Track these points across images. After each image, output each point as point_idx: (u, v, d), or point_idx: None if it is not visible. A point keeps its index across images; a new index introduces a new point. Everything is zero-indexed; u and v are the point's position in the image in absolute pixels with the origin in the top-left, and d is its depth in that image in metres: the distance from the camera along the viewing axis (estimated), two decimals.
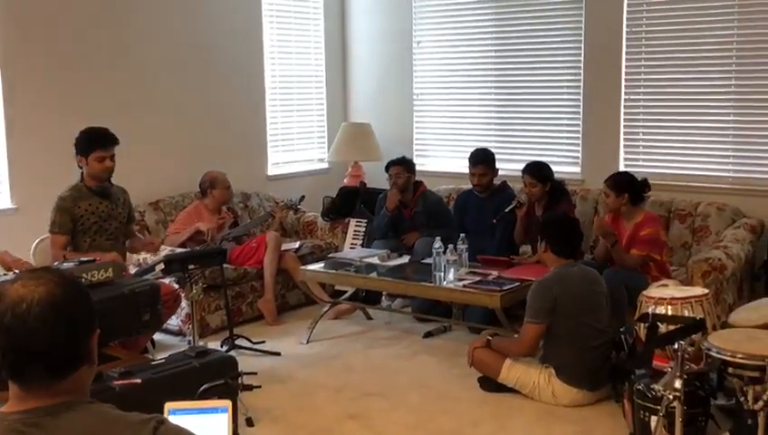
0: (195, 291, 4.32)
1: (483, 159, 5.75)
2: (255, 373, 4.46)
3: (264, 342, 5.21)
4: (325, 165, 7.52)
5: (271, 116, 7.05)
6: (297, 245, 6.11)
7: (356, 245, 6.19)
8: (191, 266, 4.37)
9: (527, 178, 5.43)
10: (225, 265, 5.22)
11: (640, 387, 3.49)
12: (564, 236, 4.25)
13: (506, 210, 5.49)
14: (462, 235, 5.22)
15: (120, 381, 3.30)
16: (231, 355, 3.97)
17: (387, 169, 5.99)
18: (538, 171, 5.45)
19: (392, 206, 5.88)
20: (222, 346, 5.00)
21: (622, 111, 6.15)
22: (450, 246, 4.98)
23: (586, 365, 4.04)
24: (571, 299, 4.06)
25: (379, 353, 5.10)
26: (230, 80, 6.62)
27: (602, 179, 5.17)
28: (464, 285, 4.78)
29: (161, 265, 4.36)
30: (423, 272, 5.13)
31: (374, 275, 5.26)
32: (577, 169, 6.34)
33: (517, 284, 4.67)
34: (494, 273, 4.98)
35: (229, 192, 5.92)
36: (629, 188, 4.96)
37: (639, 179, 5.04)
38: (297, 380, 4.65)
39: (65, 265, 4.02)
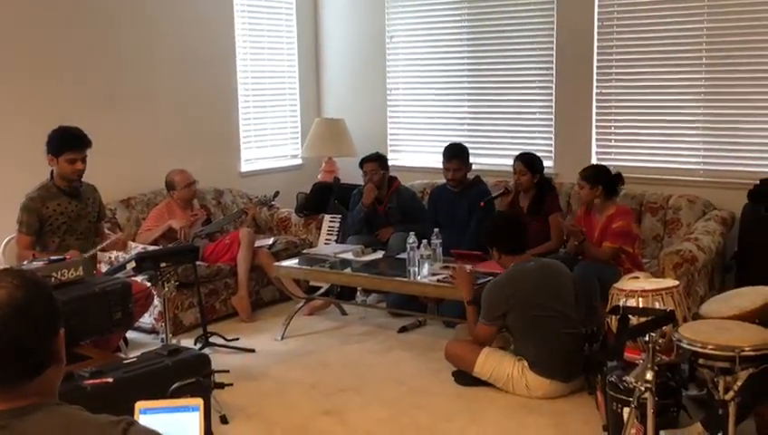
0: (167, 289, 4.29)
1: (457, 154, 5.76)
2: (227, 371, 4.44)
3: (238, 339, 5.20)
4: (299, 161, 7.50)
5: (243, 112, 7.02)
6: (271, 241, 6.09)
7: (330, 240, 6.18)
8: (163, 264, 4.33)
9: (518, 165, 5.48)
10: (197, 263, 5.20)
11: (612, 379, 3.51)
12: (507, 234, 4.31)
13: (494, 195, 5.52)
14: (436, 229, 5.24)
15: (91, 381, 3.26)
16: (204, 353, 3.95)
17: (361, 165, 5.99)
18: (531, 161, 5.51)
19: (368, 201, 5.88)
20: (196, 344, 4.99)
21: (594, 105, 6.19)
22: (424, 240, 5.00)
23: (557, 355, 4.07)
24: (529, 293, 4.10)
25: (353, 349, 5.10)
26: (202, 76, 6.58)
27: (575, 173, 5.20)
28: (438, 280, 4.79)
29: (133, 263, 4.32)
30: (397, 267, 5.14)
31: (349, 270, 5.25)
32: (550, 163, 6.37)
33: (490, 277, 4.68)
34: (468, 267, 4.99)
35: (189, 190, 5.85)
36: (604, 180, 5.00)
37: (613, 173, 5.08)
38: (272, 376, 4.64)
39: (35, 263, 3.97)
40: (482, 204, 5.49)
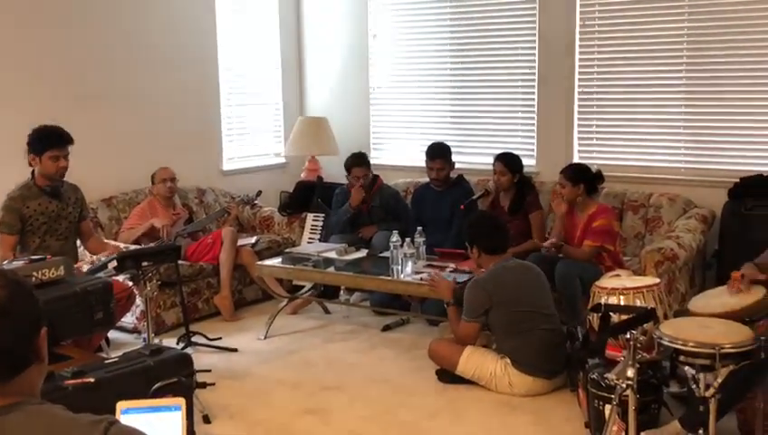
0: (149, 288, 4.28)
1: (440, 153, 5.78)
2: (209, 371, 4.44)
3: (220, 338, 5.19)
4: (282, 159, 7.49)
5: (226, 110, 7.00)
6: (254, 240, 6.08)
7: (313, 239, 6.18)
8: (145, 263, 4.32)
9: (498, 165, 5.50)
10: (180, 262, 5.19)
11: (594, 376, 3.54)
12: (487, 233, 4.32)
13: (473, 198, 5.54)
14: (419, 228, 5.25)
15: (72, 381, 3.25)
16: (185, 353, 3.94)
17: (348, 167, 5.96)
18: (510, 161, 5.53)
19: (356, 203, 5.88)
20: (178, 343, 4.97)
21: (576, 103, 6.22)
22: (407, 239, 5.00)
23: (540, 352, 4.10)
24: (509, 291, 4.13)
25: (337, 348, 5.10)
26: (184, 73, 6.55)
27: (557, 172, 5.23)
28: (421, 278, 4.80)
29: (114, 263, 4.30)
30: (381, 266, 5.14)
31: (332, 269, 5.25)
32: (532, 162, 6.39)
33: (472, 276, 4.70)
34: (451, 265, 5.01)
35: (164, 186, 5.83)
36: (585, 178, 5.03)
37: (594, 171, 5.12)
38: (255, 376, 4.63)
39: (15, 263, 3.95)
40: (462, 207, 5.50)
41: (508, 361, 4.14)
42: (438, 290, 4.54)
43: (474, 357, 4.23)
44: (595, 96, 6.20)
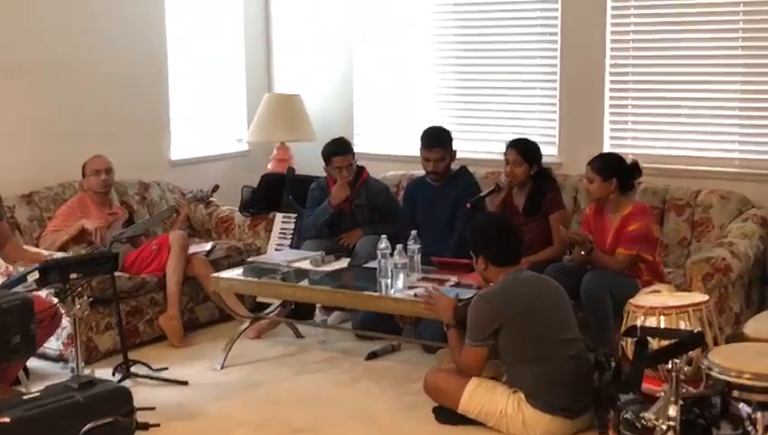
0: (78, 306, 4.26)
1: (439, 141, 5.77)
2: (153, 408, 4.42)
3: (167, 368, 5.17)
4: (244, 146, 7.46)
5: (175, 86, 6.98)
6: (209, 247, 6.06)
7: (283, 245, 6.16)
8: (74, 275, 4.30)
9: (512, 154, 5.48)
10: (117, 274, 5.17)
11: (628, 416, 3.53)
12: (496, 240, 4.32)
13: (482, 194, 5.53)
14: (413, 232, 5.24)
15: None
16: (123, 386, 3.92)
17: (327, 156, 5.94)
18: (527, 149, 5.51)
19: (337, 201, 5.87)
20: (114, 375, 4.96)
21: (607, 79, 6.23)
22: (399, 246, 5.00)
23: (561, 386, 4.10)
24: (523, 307, 4.12)
25: (311, 380, 5.09)
26: (122, 41, 6.52)
27: (583, 162, 5.23)
28: (415, 294, 4.80)
29: (35, 275, 4.28)
30: (365, 279, 5.12)
31: (305, 283, 5.24)
32: (553, 151, 6.40)
33: (477, 292, 4.70)
34: (453, 278, 5.00)
35: (98, 179, 5.80)
36: (618, 172, 5.04)
37: (629, 162, 5.13)
38: (209, 415, 4.62)
39: None
40: (468, 205, 5.50)
41: (522, 396, 4.14)
42: (437, 309, 4.54)
43: (480, 391, 4.22)
44: (630, 69, 6.21)
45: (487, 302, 4.19)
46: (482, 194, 5.56)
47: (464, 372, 4.29)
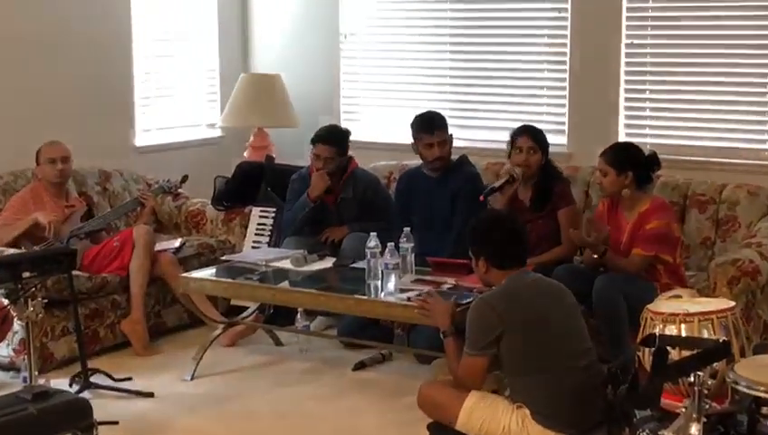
0: (31, 308, 4.25)
1: (440, 123, 5.76)
2: (115, 423, 4.41)
3: (130, 379, 5.16)
4: (217, 132, 7.46)
5: (140, 64, 6.98)
6: (177, 243, 6.06)
7: (260, 243, 6.16)
8: (26, 274, 4.29)
9: (526, 140, 5.47)
10: (74, 272, 5.14)
11: (645, 434, 3.55)
12: (498, 240, 4.31)
13: (495, 185, 5.51)
14: (406, 229, 5.24)
15: None
16: (82, 398, 3.92)
17: (313, 137, 5.94)
18: (539, 134, 5.53)
19: (316, 194, 5.86)
20: (71, 385, 4.94)
21: (623, 61, 6.25)
22: (390, 244, 5.00)
23: (570, 400, 4.09)
24: (528, 312, 4.12)
25: (291, 393, 5.09)
26: (81, 14, 6.51)
27: (595, 153, 5.24)
28: (408, 299, 4.80)
29: None
30: (353, 280, 5.13)
31: (285, 284, 5.24)
32: (562, 140, 6.43)
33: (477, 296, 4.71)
34: (451, 281, 5.01)
35: (54, 169, 5.77)
36: (635, 164, 5.04)
37: (647, 153, 5.13)
38: (177, 430, 4.62)
39: None
40: (482, 198, 5.48)
41: (527, 412, 4.14)
42: (432, 314, 4.54)
43: (480, 407, 4.22)
44: (649, 50, 6.24)
45: (488, 306, 4.18)
46: (495, 185, 5.53)
47: (462, 385, 4.28)
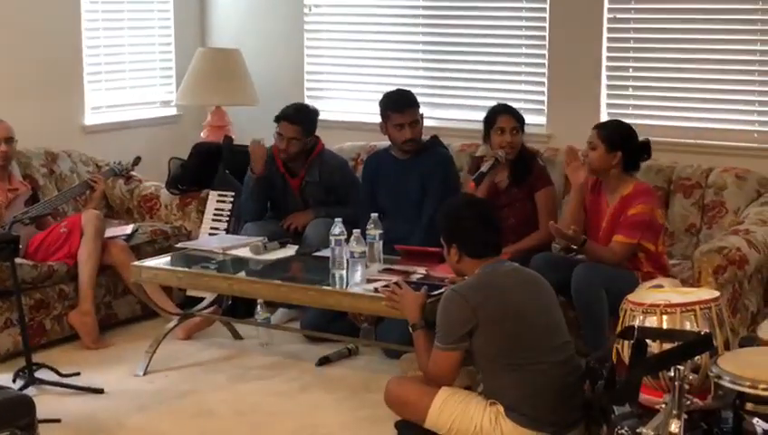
0: None
1: (411, 101, 5.76)
2: (58, 421, 4.42)
3: (78, 374, 5.15)
4: (172, 111, 7.44)
5: (89, 37, 6.94)
6: (129, 230, 6.05)
7: (218, 229, 6.16)
8: None
9: (508, 120, 5.48)
10: (18, 261, 5.14)
11: (623, 431, 3.57)
12: (471, 227, 4.32)
13: (483, 169, 5.51)
14: (374, 215, 5.25)
15: None
16: (24, 395, 3.91)
17: (277, 116, 5.92)
18: (517, 112, 5.56)
19: (260, 166, 5.85)
20: (14, 381, 4.93)
21: (605, 36, 6.27)
22: (356, 231, 5.01)
23: (545, 396, 4.11)
24: (502, 304, 4.13)
25: (251, 389, 5.10)
26: None
27: (576, 134, 5.28)
28: (375, 289, 4.81)
29: None
30: (316, 270, 5.14)
31: (244, 274, 5.25)
32: (541, 120, 6.45)
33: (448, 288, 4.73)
34: (421, 270, 5.02)
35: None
36: (627, 146, 5.06)
37: (641, 140, 5.15)
38: (128, 429, 4.62)
39: None
40: (472, 185, 5.48)
41: (500, 408, 4.16)
42: (402, 306, 4.55)
43: (451, 404, 4.23)
44: (632, 27, 6.26)
45: (461, 297, 4.19)
46: (483, 170, 5.54)
47: (432, 381, 4.30)
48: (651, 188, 5.31)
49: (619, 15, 6.25)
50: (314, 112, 6.08)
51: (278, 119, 5.92)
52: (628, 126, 5.24)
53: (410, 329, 4.46)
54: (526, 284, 4.29)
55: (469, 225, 4.31)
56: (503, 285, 4.21)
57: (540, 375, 4.12)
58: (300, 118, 5.94)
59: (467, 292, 4.17)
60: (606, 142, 5.04)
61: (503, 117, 5.52)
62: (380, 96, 5.90)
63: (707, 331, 3.56)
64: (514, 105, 5.69)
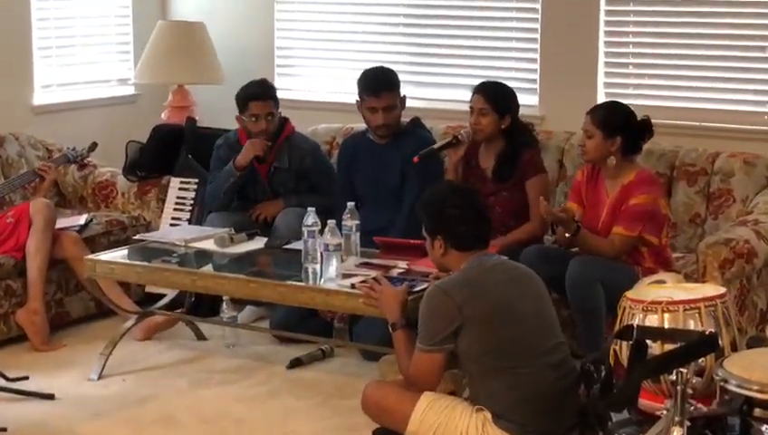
0: None
1: (388, 83, 5.75)
2: (5, 429, 4.41)
3: (27, 378, 5.13)
4: (130, 89, 7.42)
5: (38, 8, 6.92)
6: (83, 220, 6.04)
7: (180, 220, 6.16)
8: None
9: (478, 100, 5.48)
10: None
11: None
12: (458, 217, 4.31)
13: (434, 147, 5.52)
14: (351, 204, 5.25)
15: None
16: None
17: (242, 101, 5.89)
18: (496, 94, 5.52)
19: (246, 161, 5.84)
20: None
21: (602, 9, 6.28)
22: (331, 222, 5.00)
23: (537, 402, 4.12)
24: (491, 302, 4.13)
25: (215, 395, 5.10)
26: None
27: (570, 115, 5.30)
28: (352, 285, 4.81)
29: None
30: (287, 264, 5.15)
31: (209, 268, 5.24)
32: (533, 100, 6.46)
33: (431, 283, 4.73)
34: (402, 264, 5.02)
35: None
36: (626, 129, 5.06)
37: (640, 119, 5.16)
38: None
39: None
40: (416, 160, 5.50)
41: (488, 415, 4.17)
42: (380, 304, 4.55)
43: (434, 410, 4.23)
44: (632, 0, 6.27)
45: (446, 295, 4.18)
46: (435, 146, 5.56)
47: (414, 385, 4.30)
48: (655, 176, 5.33)
49: None
50: (269, 82, 6.10)
51: (245, 101, 5.88)
52: (625, 106, 5.23)
53: (390, 328, 4.46)
54: (516, 280, 4.29)
55: (456, 214, 4.30)
56: (491, 281, 4.21)
57: (530, 379, 4.13)
58: (269, 92, 5.96)
59: (452, 288, 4.17)
60: (603, 128, 5.02)
61: (474, 96, 5.53)
62: (358, 73, 5.89)
63: (712, 330, 3.58)
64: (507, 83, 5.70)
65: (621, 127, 5.05)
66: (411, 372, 4.27)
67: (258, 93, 5.90)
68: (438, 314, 4.15)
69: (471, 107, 5.54)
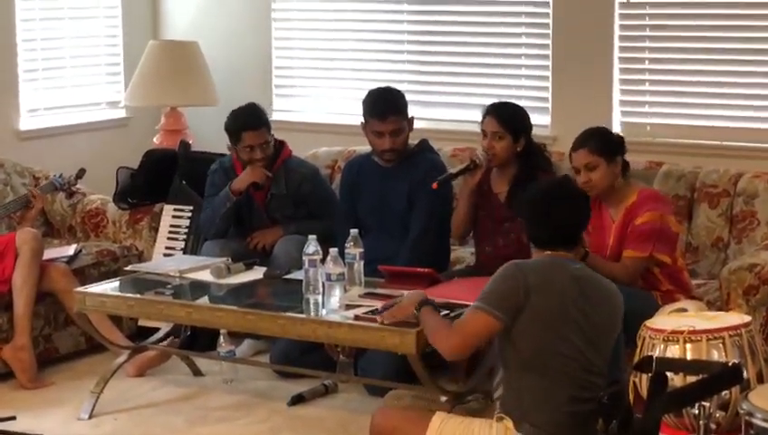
0: None
1: (395, 107, 5.74)
2: (14, 418, 4.47)
3: (14, 418, 5.12)
4: (121, 113, 7.44)
5: (25, 29, 6.95)
6: (72, 251, 6.05)
7: (174, 249, 6.17)
8: None
9: (490, 123, 5.47)
10: None
11: None
12: (540, 214, 4.28)
13: (453, 171, 5.52)
14: (354, 231, 5.25)
15: None
16: None
17: (233, 132, 5.90)
18: (510, 116, 5.51)
19: (243, 185, 5.85)
20: None
21: (617, 24, 6.30)
22: (333, 250, 5.01)
23: (560, 423, 4.11)
24: (559, 299, 4.10)
25: (213, 433, 5.11)
26: None
27: None
28: (356, 316, 4.82)
29: None
30: (288, 295, 5.15)
31: (205, 300, 5.25)
32: (545, 120, 6.47)
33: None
34: (407, 294, 5.02)
35: None
36: (621, 148, 5.10)
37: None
38: None
39: None
40: (435, 185, 5.50)
41: (509, 423, 4.11)
42: (399, 309, 4.55)
43: (451, 424, 4.17)
44: (648, 13, 6.30)
45: (517, 271, 4.12)
46: (453, 171, 5.56)
47: (445, 346, 4.24)
48: (658, 193, 5.34)
49: (634, 3, 6.28)
50: (260, 107, 6.08)
51: (237, 132, 5.87)
52: (603, 128, 5.28)
53: (415, 312, 4.43)
54: (598, 292, 4.20)
55: (539, 209, 4.26)
56: (567, 282, 4.11)
57: (565, 397, 4.09)
58: (261, 119, 5.95)
59: (529, 270, 4.12)
60: (604, 155, 5.03)
61: (486, 119, 5.51)
62: (360, 93, 5.89)
63: (737, 361, 3.57)
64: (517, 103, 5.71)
65: (618, 147, 5.08)
66: (455, 330, 4.19)
67: (250, 123, 5.88)
68: (510, 286, 4.08)
69: (483, 130, 5.52)
